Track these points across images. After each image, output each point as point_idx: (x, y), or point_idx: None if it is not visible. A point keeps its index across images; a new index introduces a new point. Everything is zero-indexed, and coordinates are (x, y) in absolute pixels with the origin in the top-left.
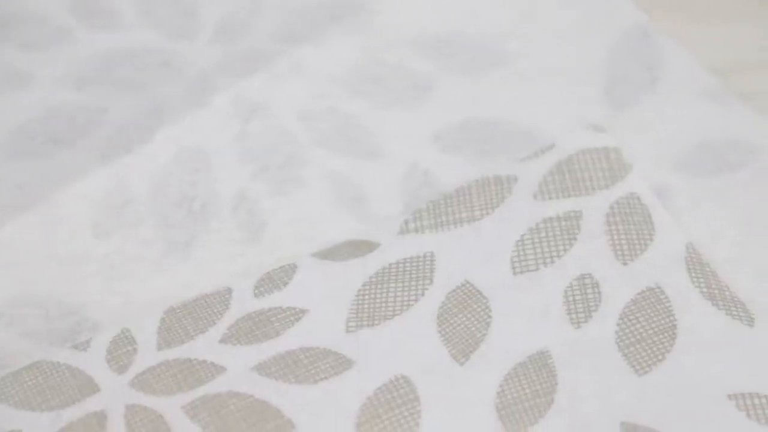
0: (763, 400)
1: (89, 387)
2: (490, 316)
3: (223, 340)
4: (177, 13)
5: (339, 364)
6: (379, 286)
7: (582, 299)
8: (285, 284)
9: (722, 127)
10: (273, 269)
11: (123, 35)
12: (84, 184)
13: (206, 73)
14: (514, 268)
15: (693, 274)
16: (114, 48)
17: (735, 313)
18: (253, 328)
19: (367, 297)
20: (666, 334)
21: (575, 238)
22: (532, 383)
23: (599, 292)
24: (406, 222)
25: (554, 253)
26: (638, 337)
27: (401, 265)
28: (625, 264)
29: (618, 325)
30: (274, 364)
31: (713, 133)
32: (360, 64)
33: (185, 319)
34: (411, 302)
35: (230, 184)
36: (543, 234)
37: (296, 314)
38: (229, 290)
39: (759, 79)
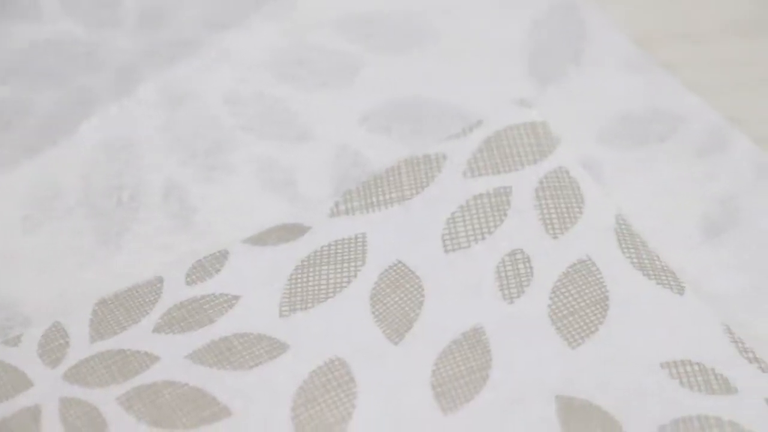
0: (695, 367)
1: (22, 382)
2: (423, 295)
3: (156, 330)
4: (100, 2)
5: (273, 348)
6: (312, 269)
7: (514, 274)
8: (217, 271)
9: (647, 98)
10: (204, 257)
11: (46, 26)
12: (11, 177)
13: (131, 62)
14: (445, 245)
15: (623, 245)
16: (37, 39)
17: (665, 282)
18: (186, 317)
19: (299, 280)
20: (598, 306)
21: (505, 214)
22: (467, 360)
23: (531, 267)
24: (337, 204)
25: (485, 230)
26: (570, 309)
27: (333, 247)
28: (555, 238)
29: (550, 298)
30: (209, 351)
31: (638, 104)
32: (285, 48)
33: (117, 310)
34: (344, 284)
35: (159, 172)
36: (473, 211)
37: (229, 301)
38: (161, 279)
39: (682, 50)
